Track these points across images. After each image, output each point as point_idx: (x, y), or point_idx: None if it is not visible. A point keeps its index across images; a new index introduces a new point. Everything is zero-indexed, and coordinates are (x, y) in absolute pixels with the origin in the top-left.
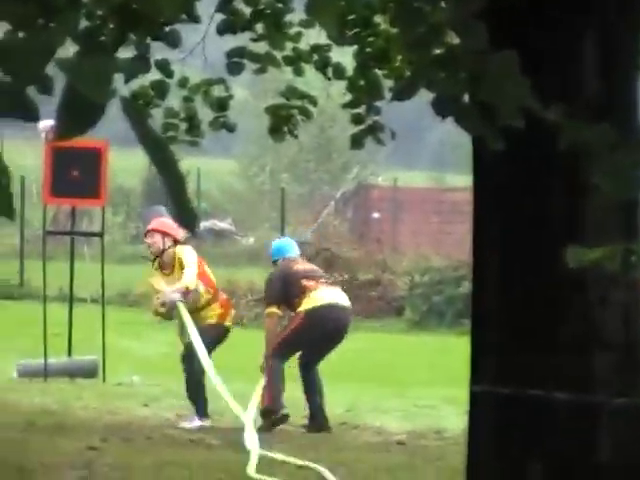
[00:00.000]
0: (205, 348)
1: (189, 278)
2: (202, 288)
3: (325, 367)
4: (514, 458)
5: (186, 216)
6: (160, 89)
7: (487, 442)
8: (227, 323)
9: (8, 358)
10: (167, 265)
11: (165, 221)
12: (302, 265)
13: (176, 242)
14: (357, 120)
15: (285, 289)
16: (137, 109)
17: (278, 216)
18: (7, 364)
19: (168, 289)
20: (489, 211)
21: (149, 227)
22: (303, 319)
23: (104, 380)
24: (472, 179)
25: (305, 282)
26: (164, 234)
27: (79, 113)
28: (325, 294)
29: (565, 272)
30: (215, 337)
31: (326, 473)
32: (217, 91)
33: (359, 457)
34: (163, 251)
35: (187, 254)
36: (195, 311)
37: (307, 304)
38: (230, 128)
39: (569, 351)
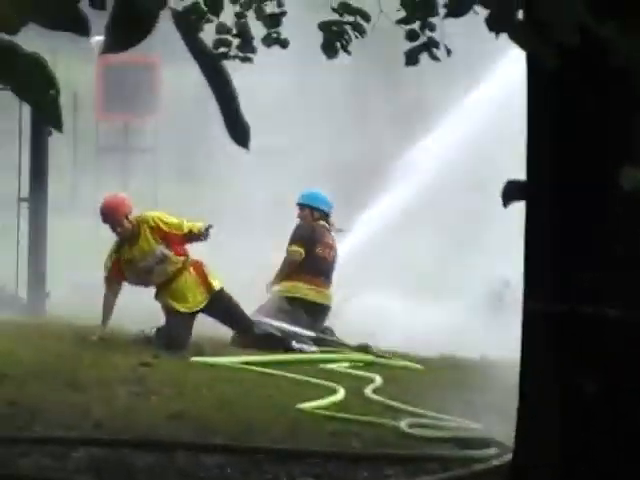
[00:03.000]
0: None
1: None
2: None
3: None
4: (567, 374)
5: (238, 132)
6: (214, 4)
7: (540, 358)
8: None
9: (61, 273)
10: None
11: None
12: (327, 241)
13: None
14: (412, 36)
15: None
16: (189, 23)
17: (334, 132)
18: (59, 280)
19: None
20: (544, 128)
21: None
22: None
23: None
24: (526, 95)
25: (304, 269)
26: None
27: (130, 26)
28: (304, 288)
29: (619, 189)
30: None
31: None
32: (270, 7)
33: (412, 373)
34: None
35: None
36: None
37: (286, 288)
38: (283, 44)
39: (622, 268)
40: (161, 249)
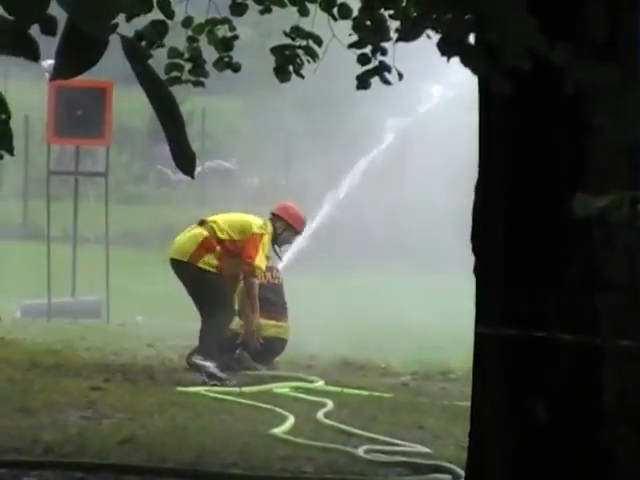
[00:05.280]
0: None
1: None
2: None
3: (329, 304)
4: (519, 399)
5: (184, 159)
6: (159, 29)
7: (492, 383)
8: None
9: (12, 298)
10: None
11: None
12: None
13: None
14: (363, 61)
15: None
16: (138, 49)
17: (284, 156)
18: (11, 304)
19: None
20: (495, 154)
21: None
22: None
23: (108, 320)
24: (478, 121)
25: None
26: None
27: (80, 51)
28: (265, 324)
29: (570, 214)
30: None
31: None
32: (222, 31)
33: (364, 398)
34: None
35: None
36: None
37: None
38: (235, 68)
39: (574, 293)
40: None
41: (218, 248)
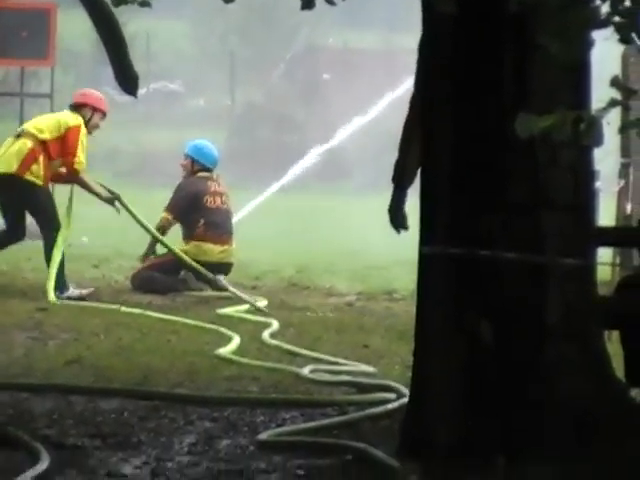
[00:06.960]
0: None
1: None
2: None
3: (275, 227)
4: (463, 318)
5: (127, 79)
6: None
7: (436, 303)
8: None
9: None
10: None
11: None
12: (214, 190)
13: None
14: None
15: (188, 212)
16: None
17: (228, 78)
18: None
19: None
20: (437, 74)
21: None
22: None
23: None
24: (419, 40)
25: (201, 226)
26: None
27: None
28: (210, 249)
29: (514, 134)
30: None
31: (274, 325)
32: None
33: (309, 318)
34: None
35: None
36: None
37: (190, 251)
38: None
39: (518, 212)
40: None
41: (42, 157)
